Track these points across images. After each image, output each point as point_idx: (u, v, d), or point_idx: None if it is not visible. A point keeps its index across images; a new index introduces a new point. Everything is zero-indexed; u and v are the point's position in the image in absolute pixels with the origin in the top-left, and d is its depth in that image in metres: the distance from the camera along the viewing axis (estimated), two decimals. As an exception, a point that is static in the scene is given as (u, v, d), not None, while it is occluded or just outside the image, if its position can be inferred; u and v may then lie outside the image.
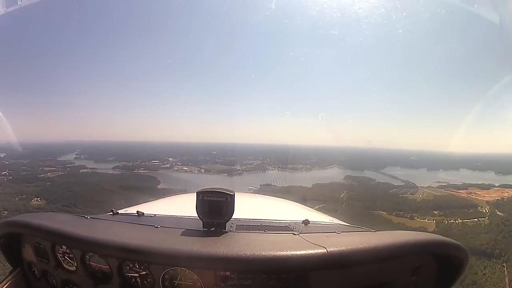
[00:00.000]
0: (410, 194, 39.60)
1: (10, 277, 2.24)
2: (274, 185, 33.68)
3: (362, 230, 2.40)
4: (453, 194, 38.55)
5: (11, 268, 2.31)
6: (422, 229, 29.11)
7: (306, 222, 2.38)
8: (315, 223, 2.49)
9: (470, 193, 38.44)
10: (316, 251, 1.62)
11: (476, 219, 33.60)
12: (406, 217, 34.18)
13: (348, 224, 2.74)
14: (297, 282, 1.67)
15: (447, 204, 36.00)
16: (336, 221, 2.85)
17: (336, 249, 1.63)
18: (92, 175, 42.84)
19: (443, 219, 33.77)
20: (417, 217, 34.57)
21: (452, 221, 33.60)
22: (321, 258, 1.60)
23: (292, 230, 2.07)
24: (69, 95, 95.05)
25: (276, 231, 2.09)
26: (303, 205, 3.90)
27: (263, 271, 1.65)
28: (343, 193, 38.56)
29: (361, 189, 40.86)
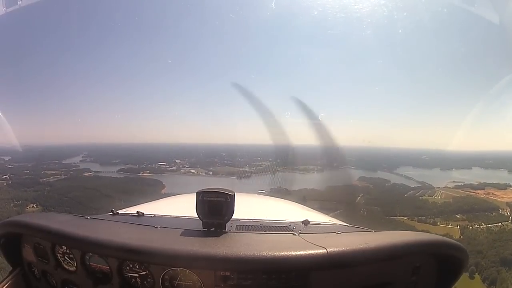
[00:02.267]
0: (428, 196, 36.79)
1: (10, 277, 2.17)
2: (285, 189, 29.57)
3: (362, 230, 2.31)
4: (472, 195, 35.90)
5: (11, 268, 2.24)
6: (448, 237, 25.23)
7: (306, 222, 2.29)
8: (315, 223, 2.38)
9: (488, 193, 35.84)
10: (316, 251, 1.57)
11: (500, 223, 30.99)
12: (429, 223, 32.44)
13: (348, 224, 2.61)
14: (297, 282, 1.62)
15: (470, 207, 33.34)
16: (336, 221, 2.73)
17: (336, 249, 1.58)
18: (94, 179, 40.73)
19: (467, 224, 31.14)
20: (440, 222, 32.19)
21: (476, 226, 30.94)
22: (321, 258, 1.54)
23: (292, 231, 2.01)
24: (79, 97, 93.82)
25: (276, 231, 2.03)
26: (303, 205, 3.71)
27: (263, 271, 1.59)
28: (359, 196, 35.89)
29: (377, 192, 38.11)
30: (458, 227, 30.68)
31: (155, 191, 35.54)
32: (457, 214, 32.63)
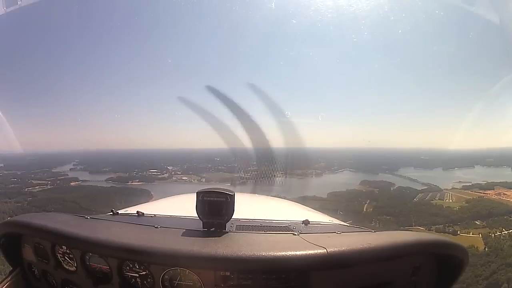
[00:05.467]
0: (439, 199, 32.31)
1: (10, 277, 2.05)
2: (284, 197, 22.54)
3: (362, 230, 2.16)
4: (483, 197, 31.43)
5: (11, 268, 2.13)
6: (473, 248, 22.92)
7: (306, 222, 2.15)
8: (315, 223, 2.23)
9: (499, 194, 31.33)
10: (316, 251, 1.48)
11: (521, 228, 28.95)
12: (448, 232, 26.96)
13: (348, 224, 2.47)
14: (297, 282, 1.55)
15: (487, 212, 28.74)
16: (336, 221, 2.55)
17: (336, 249, 1.50)
18: (78, 190, 36.42)
19: (489, 232, 26.30)
20: (460, 230, 27.66)
21: (498, 233, 26.19)
22: (321, 258, 1.47)
23: (292, 230, 1.88)
24: (72, 103, 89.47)
25: (276, 231, 1.91)
26: (303, 205, 3.48)
27: (263, 271, 1.52)
28: (365, 203, 31.36)
29: (384, 197, 33.91)
30: (480, 235, 26.94)
31: (140, 203, 29.08)
32: (476, 220, 28.66)
